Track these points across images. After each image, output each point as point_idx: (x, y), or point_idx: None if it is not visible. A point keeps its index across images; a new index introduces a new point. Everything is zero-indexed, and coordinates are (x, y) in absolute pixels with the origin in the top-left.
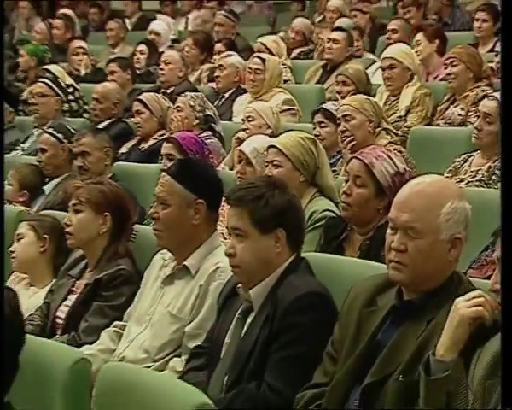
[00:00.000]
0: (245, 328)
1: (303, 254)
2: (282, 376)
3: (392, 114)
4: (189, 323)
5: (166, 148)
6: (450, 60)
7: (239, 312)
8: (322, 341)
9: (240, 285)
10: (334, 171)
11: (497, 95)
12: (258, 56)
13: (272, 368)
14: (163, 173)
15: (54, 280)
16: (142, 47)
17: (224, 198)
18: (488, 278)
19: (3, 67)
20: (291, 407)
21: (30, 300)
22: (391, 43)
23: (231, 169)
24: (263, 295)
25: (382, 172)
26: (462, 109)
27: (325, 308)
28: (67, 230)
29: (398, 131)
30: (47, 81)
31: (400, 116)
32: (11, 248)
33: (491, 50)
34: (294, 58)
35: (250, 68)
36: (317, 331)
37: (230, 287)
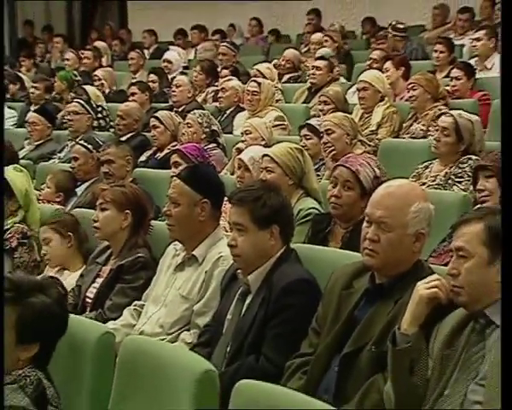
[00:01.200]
0: (244, 307)
1: (293, 245)
2: (277, 349)
3: (365, 129)
4: (197, 303)
5: (173, 157)
6: (412, 85)
7: (239, 293)
8: (308, 319)
9: (239, 271)
10: (317, 175)
11: (453, 112)
12: (255, 81)
13: (269, 343)
14: (174, 178)
15: (84, 266)
16: (153, 76)
17: (226, 198)
18: (446, 264)
19: (3, 68)
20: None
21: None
22: (368, 69)
23: (232, 174)
24: (259, 279)
25: (366, 177)
26: (424, 125)
27: (311, 292)
28: (95, 225)
29: (371, 143)
30: (81, 101)
31: (372, 130)
32: (43, 252)
33: (447, 76)
34: (285, 82)
35: (248, 90)
36: (304, 311)
37: (231, 273)
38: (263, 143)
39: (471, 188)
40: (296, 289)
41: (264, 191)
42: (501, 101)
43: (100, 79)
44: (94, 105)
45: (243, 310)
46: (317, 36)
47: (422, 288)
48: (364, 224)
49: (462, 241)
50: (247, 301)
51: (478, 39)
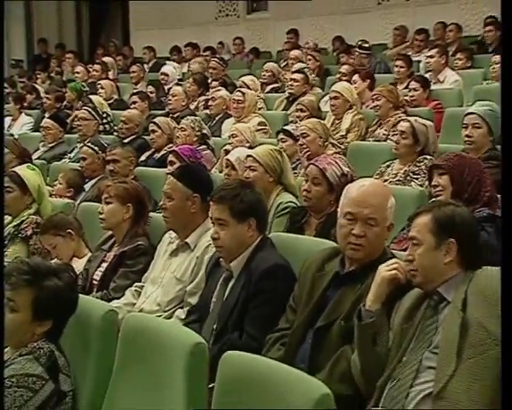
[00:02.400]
0: (227, 291)
1: (273, 235)
2: (258, 326)
3: (336, 133)
4: (189, 284)
5: (170, 157)
6: (376, 95)
7: (222, 278)
8: (284, 299)
9: (222, 259)
10: (294, 173)
11: (410, 118)
12: (240, 91)
13: (250, 321)
14: (169, 176)
15: (90, 254)
16: (152, 87)
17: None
18: (404, 250)
19: (4, 68)
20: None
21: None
22: (338, 81)
23: (221, 172)
24: (240, 266)
25: (332, 174)
26: (386, 130)
27: (286, 276)
28: (101, 216)
29: (342, 146)
30: (88, 109)
31: (342, 135)
32: (53, 255)
33: (406, 87)
34: (267, 92)
35: (234, 99)
36: (280, 292)
37: (214, 260)
38: (247, 145)
39: (426, 184)
40: (273, 273)
41: (241, 189)
42: (501, 101)
43: (103, 88)
44: (100, 112)
45: (226, 293)
46: (295, 52)
47: (384, 270)
48: (344, 221)
49: (415, 231)
50: (230, 285)
51: (431, 56)
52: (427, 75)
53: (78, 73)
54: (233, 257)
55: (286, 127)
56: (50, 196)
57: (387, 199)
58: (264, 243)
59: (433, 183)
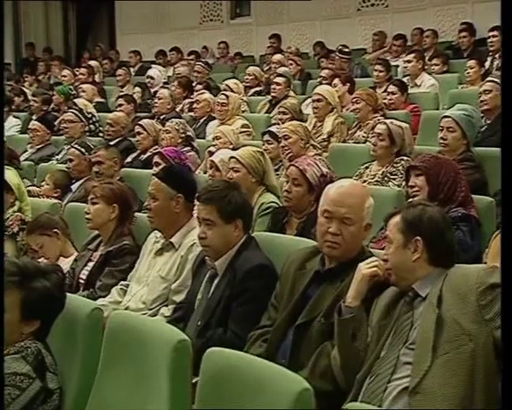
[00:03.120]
0: (212, 288)
1: (256, 234)
2: (241, 324)
3: (318, 136)
4: (174, 282)
5: (155, 159)
6: (356, 98)
7: (207, 276)
8: (267, 298)
9: (207, 258)
10: (277, 174)
11: (386, 120)
12: (223, 94)
13: (233, 319)
14: (153, 177)
15: (76, 253)
16: (138, 90)
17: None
18: (383, 249)
19: (4, 68)
20: None
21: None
22: (319, 85)
23: (205, 173)
24: (225, 264)
25: (312, 175)
26: (365, 133)
27: (269, 275)
28: (87, 216)
29: (325, 149)
30: (74, 111)
31: (324, 138)
32: (40, 254)
33: (385, 91)
34: (250, 95)
35: (218, 102)
36: (263, 292)
37: (200, 258)
38: (231, 146)
39: (404, 184)
40: (257, 273)
41: (229, 190)
42: (501, 101)
43: (84, 91)
44: (86, 114)
45: (211, 291)
46: (277, 57)
47: (364, 268)
48: (323, 220)
49: (388, 231)
50: (215, 283)
51: (409, 61)
52: (404, 79)
53: (64, 76)
54: (219, 256)
55: (269, 129)
56: (38, 196)
57: (365, 200)
58: (249, 242)
59: (409, 183)
